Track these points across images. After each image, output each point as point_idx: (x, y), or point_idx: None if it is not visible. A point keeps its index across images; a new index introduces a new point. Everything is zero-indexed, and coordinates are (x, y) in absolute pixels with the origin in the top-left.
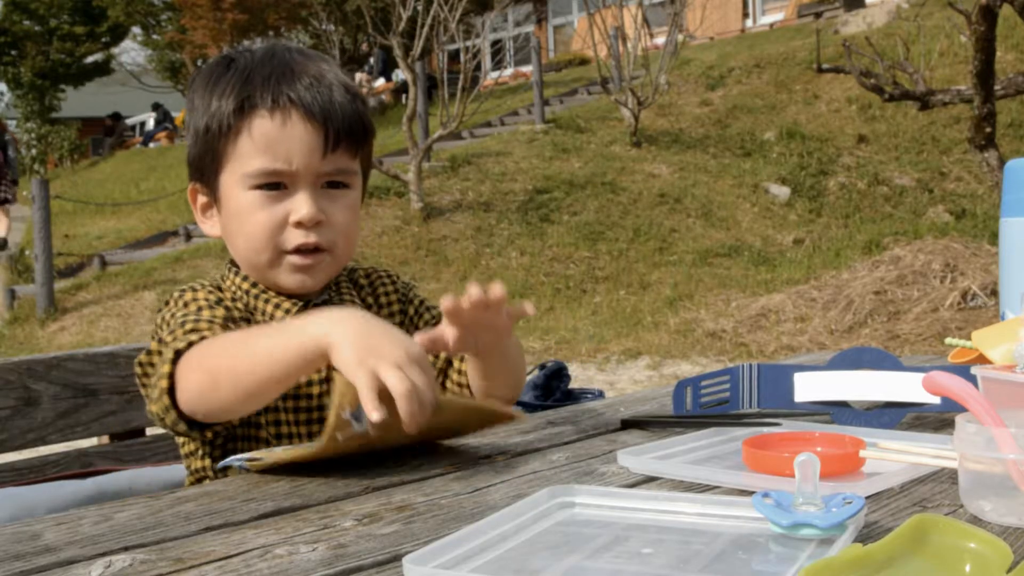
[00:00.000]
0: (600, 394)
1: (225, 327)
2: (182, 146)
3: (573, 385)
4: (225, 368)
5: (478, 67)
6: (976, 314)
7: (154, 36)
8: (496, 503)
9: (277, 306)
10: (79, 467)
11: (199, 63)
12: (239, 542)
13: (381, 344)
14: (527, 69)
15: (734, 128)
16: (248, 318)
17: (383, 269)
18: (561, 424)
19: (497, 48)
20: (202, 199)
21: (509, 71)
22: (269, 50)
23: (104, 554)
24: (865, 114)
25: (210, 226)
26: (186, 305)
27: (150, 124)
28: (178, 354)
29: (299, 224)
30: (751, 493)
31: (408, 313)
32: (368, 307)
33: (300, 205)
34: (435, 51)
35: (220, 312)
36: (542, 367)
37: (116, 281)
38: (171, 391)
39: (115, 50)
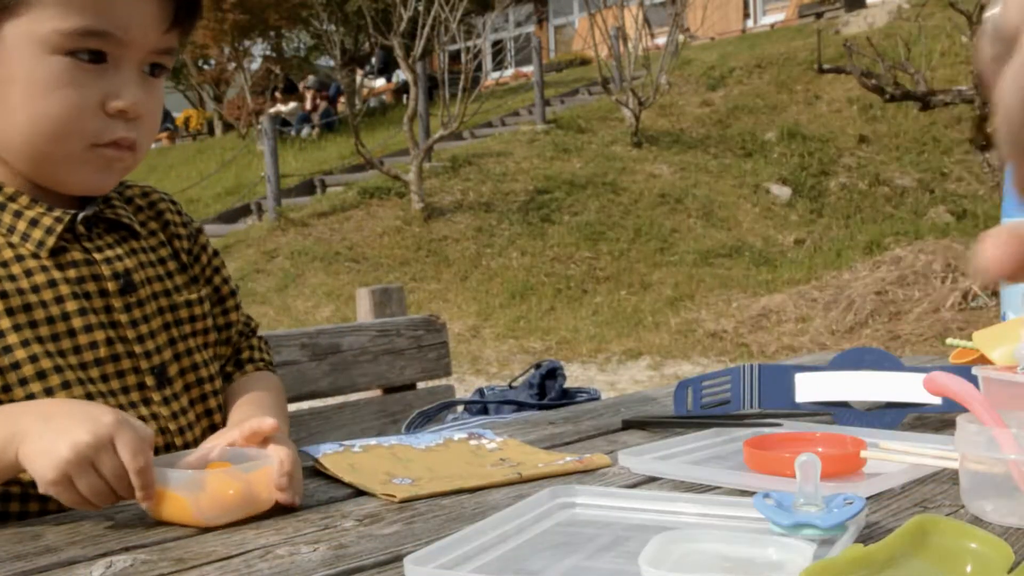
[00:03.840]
0: (596, 393)
1: None
2: (182, 146)
3: (572, 385)
4: None
5: (479, 67)
6: (977, 315)
7: None
8: (497, 503)
9: (34, 222)
10: None
11: (200, 64)
12: (240, 542)
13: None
14: (528, 69)
15: (735, 128)
16: None
17: (159, 190)
18: (562, 425)
19: (498, 48)
20: None
21: (510, 71)
22: None
23: (105, 554)
24: (866, 114)
25: None
26: None
27: None
28: None
29: (120, 112)
30: (752, 494)
31: (200, 260)
32: (152, 232)
33: (125, 89)
34: (436, 51)
35: None
36: (537, 366)
37: None
38: None
39: None
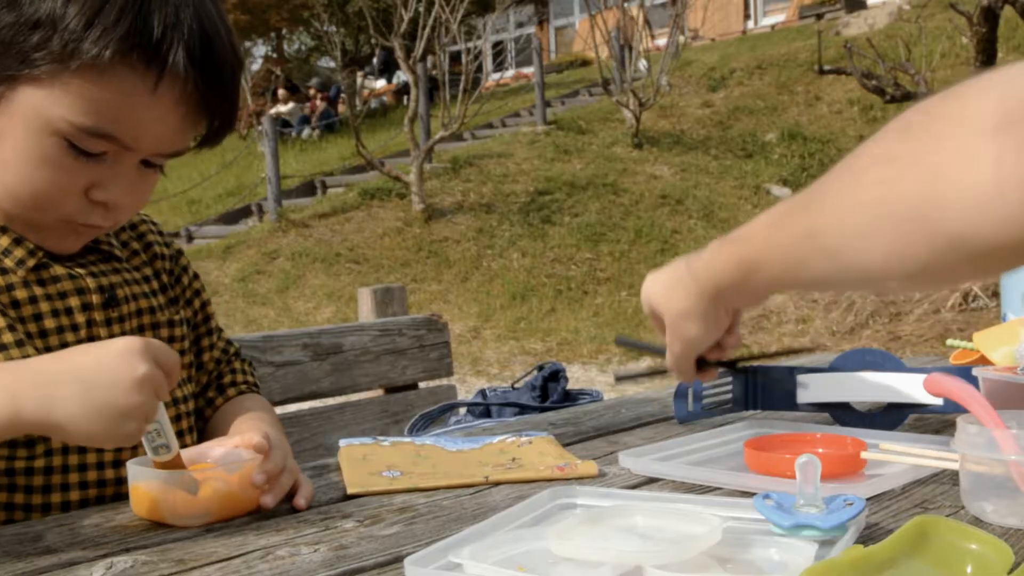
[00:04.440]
0: (598, 395)
1: None
2: None
3: (573, 387)
4: None
5: (479, 68)
6: (977, 315)
7: None
8: (497, 504)
9: (17, 241)
10: None
11: None
12: (240, 543)
13: (113, 398)
14: (529, 70)
15: (736, 129)
16: None
17: (140, 212)
18: (562, 426)
19: (499, 49)
20: None
21: (511, 72)
22: None
23: (106, 555)
24: (867, 115)
25: None
26: None
27: None
28: None
29: (101, 203)
30: (752, 494)
31: (181, 282)
32: (134, 252)
33: (115, 184)
34: (437, 52)
35: None
36: (540, 368)
37: None
38: None
39: None
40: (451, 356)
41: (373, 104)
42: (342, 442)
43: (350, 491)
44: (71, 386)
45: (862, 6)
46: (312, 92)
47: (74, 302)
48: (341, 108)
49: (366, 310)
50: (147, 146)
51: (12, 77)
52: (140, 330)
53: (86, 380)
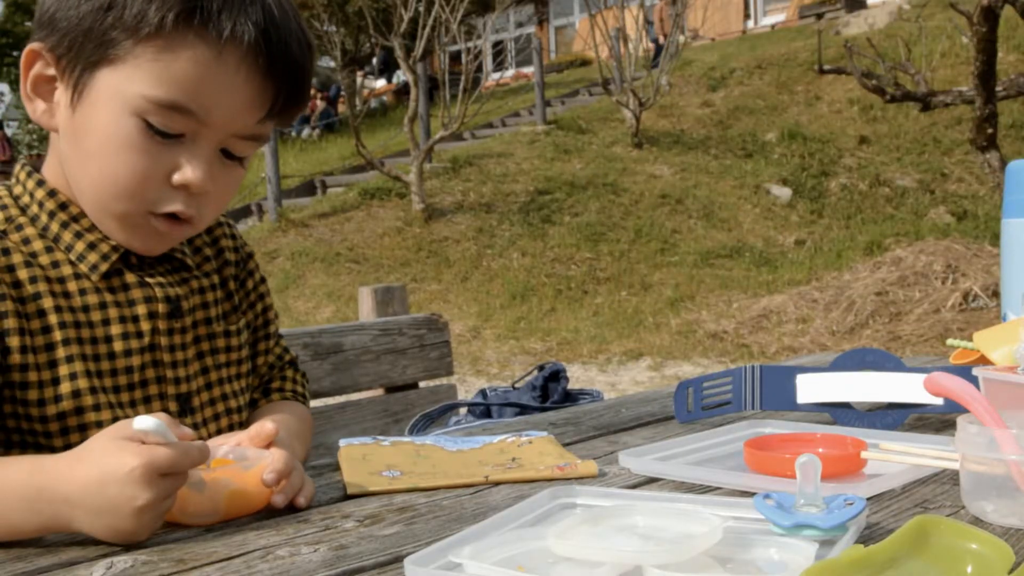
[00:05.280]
0: (599, 395)
1: None
2: None
3: (573, 386)
4: None
5: (479, 68)
6: (977, 315)
7: None
8: (497, 504)
9: (92, 246)
10: None
11: None
12: (241, 543)
13: (119, 523)
14: (529, 70)
15: (735, 129)
16: (28, 261)
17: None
18: (562, 425)
19: (499, 49)
20: (46, 71)
21: (511, 72)
22: None
23: (106, 555)
24: (867, 115)
25: (43, 111)
26: None
27: None
28: None
29: (183, 186)
30: (752, 494)
31: (246, 286)
32: (206, 259)
33: (193, 166)
34: (436, 52)
35: None
36: (540, 368)
37: None
38: None
39: None
40: (451, 355)
41: (373, 104)
42: (342, 442)
43: (350, 491)
44: (79, 509)
45: (862, 6)
46: (312, 92)
47: (141, 310)
48: (341, 108)
49: (366, 309)
50: (220, 119)
51: (93, 63)
52: (197, 341)
53: (92, 507)
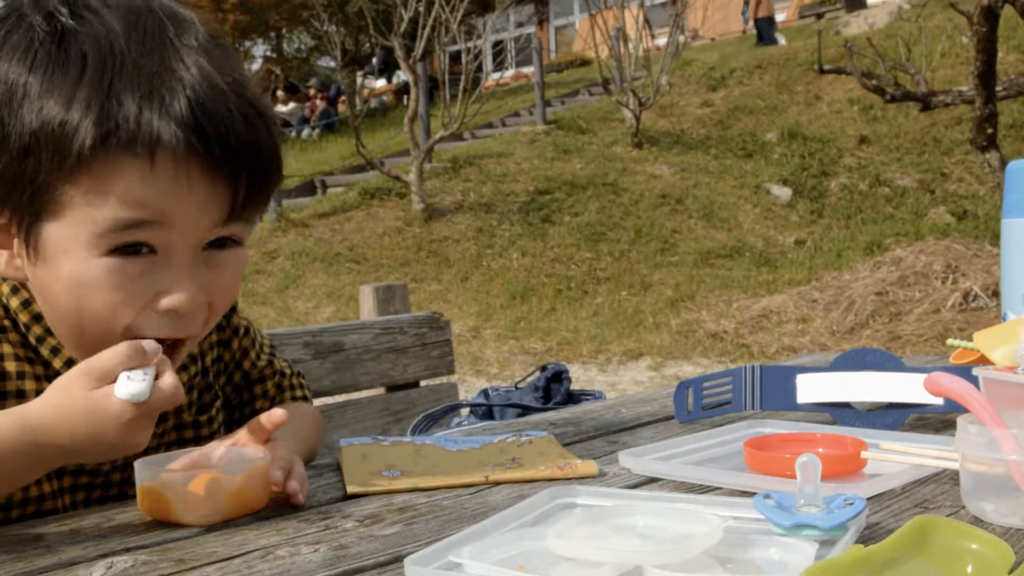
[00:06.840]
0: (601, 396)
1: None
2: None
3: (574, 387)
4: None
5: (479, 68)
6: (977, 315)
7: None
8: (498, 504)
9: (69, 363)
10: None
11: None
12: (241, 543)
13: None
14: (528, 70)
15: (735, 129)
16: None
17: (241, 315)
18: (563, 425)
19: (498, 49)
20: None
21: (510, 72)
22: (129, 23)
23: (106, 555)
24: (867, 115)
25: (7, 262)
26: None
27: None
28: None
29: (169, 312)
30: (752, 494)
31: (232, 347)
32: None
33: (175, 286)
34: (436, 52)
35: None
36: (543, 369)
37: None
38: None
39: None
40: (453, 354)
41: (373, 104)
42: (342, 442)
43: (350, 491)
44: (78, 455)
45: (862, 5)
46: (312, 92)
47: None
48: (341, 108)
49: (367, 308)
50: (183, 225)
51: (36, 215)
52: (164, 433)
53: (91, 452)
